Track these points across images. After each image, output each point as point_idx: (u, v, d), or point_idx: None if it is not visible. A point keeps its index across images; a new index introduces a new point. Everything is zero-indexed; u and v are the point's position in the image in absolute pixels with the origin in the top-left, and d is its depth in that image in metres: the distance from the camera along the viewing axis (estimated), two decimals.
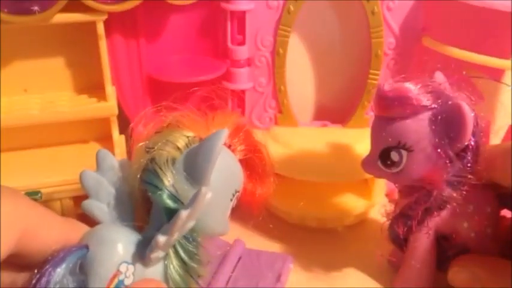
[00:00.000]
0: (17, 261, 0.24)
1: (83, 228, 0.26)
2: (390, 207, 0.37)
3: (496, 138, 0.42)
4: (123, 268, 0.24)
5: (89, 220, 0.27)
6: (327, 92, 0.49)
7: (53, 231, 0.25)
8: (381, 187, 0.46)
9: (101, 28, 0.39)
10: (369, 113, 0.46)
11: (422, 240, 0.35)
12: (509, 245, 0.34)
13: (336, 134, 0.46)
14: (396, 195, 0.37)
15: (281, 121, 0.47)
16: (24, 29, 0.40)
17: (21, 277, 0.25)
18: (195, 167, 0.25)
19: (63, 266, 0.23)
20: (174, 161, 0.26)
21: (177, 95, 0.29)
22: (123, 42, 0.43)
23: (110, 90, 0.41)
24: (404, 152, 0.33)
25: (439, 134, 0.31)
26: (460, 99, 0.31)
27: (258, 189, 0.30)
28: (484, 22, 0.39)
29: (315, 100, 0.49)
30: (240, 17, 0.43)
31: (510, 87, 0.39)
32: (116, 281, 0.23)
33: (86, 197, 0.28)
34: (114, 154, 0.43)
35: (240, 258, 0.40)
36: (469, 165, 0.32)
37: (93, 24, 0.39)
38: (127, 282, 0.24)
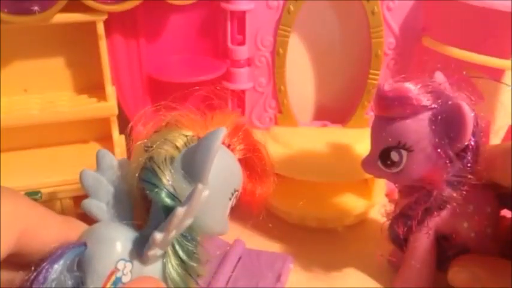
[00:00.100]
0: (16, 260, 0.24)
1: (82, 226, 0.26)
2: (390, 207, 0.37)
3: (496, 138, 0.42)
4: (120, 265, 0.24)
5: (89, 220, 0.27)
6: (327, 92, 0.49)
7: (53, 231, 0.25)
8: (381, 187, 0.46)
9: (101, 28, 0.39)
10: (369, 113, 0.46)
11: (422, 240, 0.35)
12: (509, 245, 0.34)
13: (336, 134, 0.46)
14: (396, 195, 0.37)
15: (281, 121, 0.47)
16: (24, 29, 0.40)
17: (19, 276, 0.25)
18: (193, 165, 0.25)
19: (61, 262, 0.23)
20: (172, 159, 0.26)
21: (176, 95, 0.29)
22: (123, 42, 0.43)
23: (110, 90, 0.41)
24: (404, 152, 0.33)
25: (439, 134, 0.31)
26: (460, 99, 0.31)
27: (258, 189, 0.30)
28: (484, 22, 0.39)
29: (315, 100, 0.49)
30: (240, 17, 0.43)
31: (510, 87, 0.39)
32: (113, 278, 0.23)
33: (85, 196, 0.28)
34: (114, 154, 0.42)
35: (240, 258, 0.40)
36: (469, 165, 0.32)
37: (93, 24, 0.39)
38: (124, 279, 0.24)
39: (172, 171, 0.25)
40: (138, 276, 0.24)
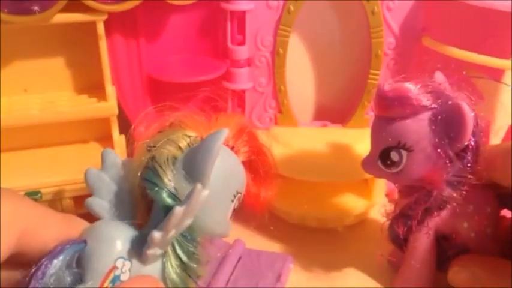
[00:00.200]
0: (17, 260, 0.24)
1: (83, 224, 0.26)
2: (390, 207, 0.37)
3: (496, 138, 0.42)
4: (119, 263, 0.24)
5: (91, 219, 0.27)
6: (327, 92, 0.49)
7: (53, 230, 0.25)
8: (381, 187, 0.45)
9: (101, 28, 0.39)
10: (369, 113, 0.46)
11: (422, 240, 0.35)
12: (509, 245, 0.34)
13: (336, 134, 0.46)
14: (396, 195, 0.37)
15: (281, 121, 0.47)
16: (24, 29, 0.40)
17: (19, 274, 0.25)
18: (194, 166, 0.25)
19: (60, 258, 0.23)
20: (174, 160, 0.26)
21: (178, 96, 0.29)
22: (123, 42, 0.43)
23: (110, 90, 0.41)
24: (404, 152, 0.33)
25: (439, 134, 0.31)
26: (460, 99, 0.31)
27: (262, 192, 0.30)
28: (484, 22, 0.39)
29: (315, 100, 0.49)
30: (240, 17, 0.43)
31: (510, 87, 0.39)
32: (111, 275, 0.23)
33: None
34: None
35: (240, 258, 0.40)
36: (469, 165, 0.32)
37: (93, 24, 0.39)
38: (123, 277, 0.24)
39: (174, 171, 0.25)
40: (137, 275, 0.24)
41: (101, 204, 0.27)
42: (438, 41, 0.42)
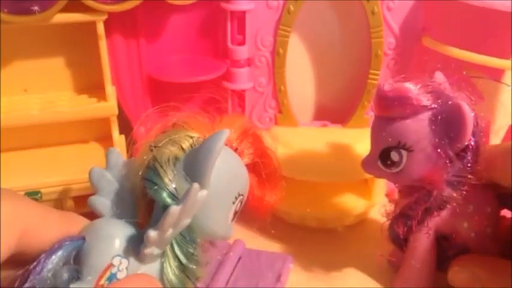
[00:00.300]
0: (17, 259, 0.24)
1: (83, 222, 0.26)
2: (390, 207, 0.37)
3: (496, 138, 0.42)
4: (116, 261, 0.24)
5: (92, 219, 0.27)
6: (327, 92, 0.49)
7: (53, 230, 0.25)
8: (381, 187, 0.45)
9: (101, 28, 0.39)
10: (369, 113, 0.46)
11: (422, 240, 0.35)
12: (509, 245, 0.34)
13: (336, 134, 0.46)
14: (396, 195, 0.37)
15: (281, 121, 0.47)
16: (24, 29, 0.40)
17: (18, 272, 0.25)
18: (194, 166, 0.25)
19: (58, 254, 0.23)
20: (176, 160, 0.26)
21: (178, 96, 0.29)
22: (123, 42, 0.43)
23: (110, 90, 0.41)
24: (404, 152, 0.33)
25: (439, 134, 0.31)
26: (460, 99, 0.31)
27: (266, 195, 0.30)
28: (484, 22, 0.39)
29: (315, 100, 0.49)
30: (240, 17, 0.43)
31: (510, 87, 0.39)
32: (108, 273, 0.23)
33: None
34: None
35: (240, 258, 0.40)
36: (469, 165, 0.32)
37: (93, 24, 0.39)
38: (120, 276, 0.24)
39: (175, 171, 0.25)
40: (133, 274, 0.24)
41: (104, 203, 0.27)
42: (438, 41, 0.42)
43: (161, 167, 0.25)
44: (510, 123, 0.42)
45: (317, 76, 0.48)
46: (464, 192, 0.32)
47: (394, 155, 0.33)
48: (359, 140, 0.44)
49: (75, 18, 0.38)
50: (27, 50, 0.41)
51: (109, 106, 0.42)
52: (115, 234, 0.24)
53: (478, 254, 0.35)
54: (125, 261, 0.24)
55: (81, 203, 0.40)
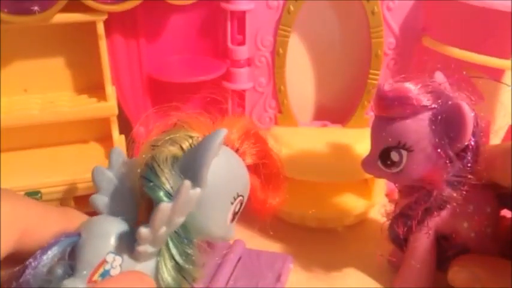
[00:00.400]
0: (16, 258, 0.24)
1: (82, 219, 0.26)
2: (390, 207, 0.37)
3: (496, 138, 0.42)
4: (109, 258, 0.24)
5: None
6: (327, 92, 0.49)
7: (52, 228, 0.25)
8: (381, 187, 0.46)
9: (101, 28, 0.39)
10: (369, 113, 0.46)
11: (422, 240, 0.35)
12: (509, 245, 0.34)
13: (336, 134, 0.46)
14: (396, 195, 0.37)
15: (281, 121, 0.47)
16: (24, 29, 0.40)
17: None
18: (191, 166, 0.25)
19: (53, 250, 0.23)
20: (174, 159, 0.26)
21: (178, 96, 0.29)
22: (123, 42, 0.43)
23: (110, 90, 0.41)
24: (404, 152, 0.33)
25: (439, 134, 0.31)
26: (460, 99, 0.31)
27: (269, 197, 0.30)
28: (484, 22, 0.39)
29: (315, 100, 0.49)
30: (240, 17, 0.43)
31: (510, 87, 0.39)
32: (101, 270, 0.24)
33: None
34: None
35: (240, 258, 0.40)
36: (469, 165, 0.32)
37: (93, 24, 0.39)
38: (113, 272, 0.24)
39: (173, 171, 0.25)
40: (126, 271, 0.24)
41: (104, 201, 0.27)
42: (438, 41, 0.42)
43: (158, 165, 0.25)
44: (510, 123, 0.42)
45: (317, 76, 0.48)
46: (464, 192, 0.32)
47: (394, 155, 0.33)
48: (359, 140, 0.44)
49: (75, 18, 0.38)
50: (27, 50, 0.41)
51: (109, 106, 0.42)
52: (110, 231, 0.25)
53: (478, 254, 0.35)
54: (118, 259, 0.24)
55: (81, 203, 0.40)
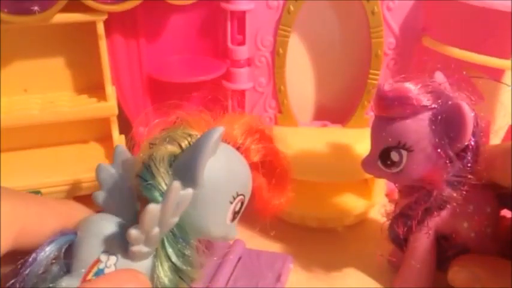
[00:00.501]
0: (14, 255, 0.24)
1: (83, 211, 0.26)
2: (390, 207, 0.37)
3: (496, 138, 0.42)
4: (103, 257, 0.24)
5: None
6: (327, 92, 0.49)
7: (51, 225, 0.25)
8: (381, 187, 0.46)
9: (101, 28, 0.39)
10: (369, 113, 0.46)
11: (422, 240, 0.35)
12: (509, 245, 0.34)
13: (336, 134, 0.46)
14: (396, 195, 0.37)
15: (281, 121, 0.47)
16: (24, 29, 0.40)
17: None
18: (186, 164, 0.25)
19: (49, 248, 0.24)
20: (172, 158, 0.26)
21: (179, 96, 0.29)
22: (123, 42, 0.43)
23: (110, 90, 0.41)
24: (404, 152, 0.33)
25: (439, 134, 0.31)
26: (460, 99, 0.31)
27: (274, 197, 0.29)
28: (484, 22, 0.39)
29: (315, 100, 0.49)
30: (240, 17, 0.43)
31: (510, 87, 0.39)
32: (95, 269, 0.24)
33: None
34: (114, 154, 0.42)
35: (240, 258, 0.40)
36: (469, 165, 0.32)
37: (93, 24, 0.39)
38: (107, 272, 0.24)
39: (169, 170, 0.25)
40: (120, 268, 0.24)
41: (106, 198, 0.27)
42: (438, 41, 0.42)
43: (155, 165, 0.25)
44: (510, 123, 0.42)
45: (317, 76, 0.48)
46: (464, 192, 0.32)
47: (394, 155, 0.33)
48: (359, 140, 0.44)
49: (75, 18, 0.38)
50: (27, 50, 0.41)
51: (109, 106, 0.42)
52: (105, 231, 0.25)
53: (478, 254, 0.35)
54: (112, 258, 0.24)
55: (81, 203, 0.40)
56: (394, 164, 0.33)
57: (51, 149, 0.45)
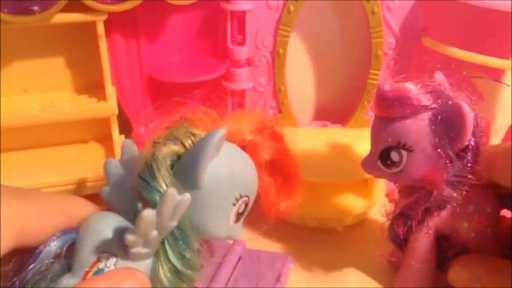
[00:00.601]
0: (16, 253, 0.24)
1: (86, 206, 0.26)
2: (390, 207, 0.37)
3: (496, 138, 0.42)
4: (103, 257, 0.24)
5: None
6: (327, 92, 0.49)
7: (53, 223, 0.25)
8: (381, 187, 0.45)
9: (101, 28, 0.39)
10: (369, 113, 0.46)
11: (422, 240, 0.35)
12: (509, 245, 0.34)
13: (336, 134, 0.46)
14: (396, 195, 0.37)
15: (281, 121, 0.47)
16: (24, 29, 0.40)
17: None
18: (187, 166, 0.25)
19: (51, 246, 0.24)
20: (174, 157, 0.25)
21: (179, 96, 0.29)
22: (123, 42, 0.43)
23: (110, 90, 0.41)
24: (404, 152, 0.33)
25: (439, 134, 0.31)
26: (460, 99, 0.31)
27: (282, 199, 0.29)
28: (484, 22, 0.39)
29: (315, 100, 0.49)
30: (240, 17, 0.43)
31: (510, 87, 0.39)
32: (95, 268, 0.24)
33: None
34: (114, 154, 0.43)
35: (240, 258, 0.40)
36: (469, 165, 0.32)
37: (93, 24, 0.39)
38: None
39: (170, 171, 0.25)
40: (120, 267, 0.24)
41: (111, 195, 0.27)
42: (438, 41, 0.42)
43: (156, 165, 0.24)
44: (510, 123, 0.42)
45: (317, 76, 0.48)
46: (464, 192, 0.32)
47: (394, 155, 0.33)
48: (359, 140, 0.44)
49: (75, 18, 0.38)
50: (27, 50, 0.41)
51: (109, 106, 0.42)
52: (105, 230, 0.24)
53: (478, 254, 0.35)
54: (112, 258, 0.24)
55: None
56: (394, 164, 0.33)
57: (51, 149, 0.45)
